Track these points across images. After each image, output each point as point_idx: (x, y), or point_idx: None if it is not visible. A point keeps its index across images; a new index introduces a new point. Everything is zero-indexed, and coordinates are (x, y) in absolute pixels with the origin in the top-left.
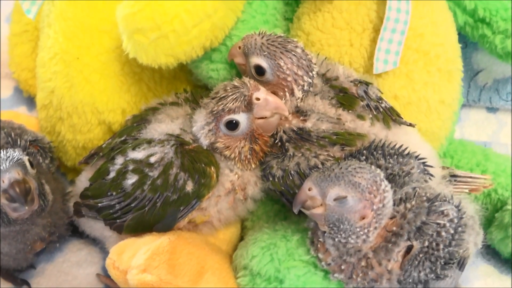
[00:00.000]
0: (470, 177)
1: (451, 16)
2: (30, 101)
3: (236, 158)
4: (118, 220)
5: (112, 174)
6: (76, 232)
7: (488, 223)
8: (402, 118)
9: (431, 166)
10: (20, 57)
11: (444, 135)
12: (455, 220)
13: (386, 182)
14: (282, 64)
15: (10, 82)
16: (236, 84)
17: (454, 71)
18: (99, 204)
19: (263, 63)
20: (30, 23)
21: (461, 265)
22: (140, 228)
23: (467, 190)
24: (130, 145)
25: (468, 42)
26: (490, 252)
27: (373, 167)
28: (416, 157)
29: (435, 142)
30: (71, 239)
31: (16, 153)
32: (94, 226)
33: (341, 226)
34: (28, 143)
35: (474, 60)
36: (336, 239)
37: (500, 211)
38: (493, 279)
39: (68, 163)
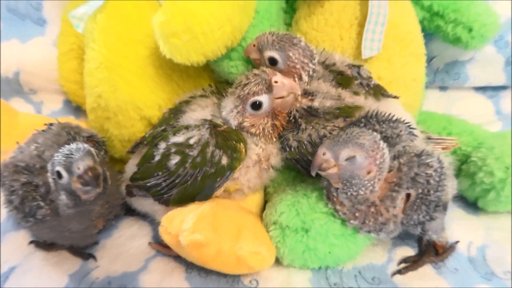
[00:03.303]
0: (441, 139)
1: (414, 11)
2: (77, 112)
3: (261, 134)
4: (165, 195)
5: (157, 158)
6: (128, 212)
7: (455, 175)
8: (388, 92)
9: (415, 128)
10: (68, 72)
11: (417, 107)
12: (439, 170)
13: (382, 141)
14: (291, 55)
15: (59, 97)
16: (256, 72)
17: (421, 55)
18: (148, 184)
19: (276, 55)
20: (75, 43)
21: (445, 207)
22: (184, 199)
23: (440, 149)
24: (170, 132)
25: (424, 34)
26: (458, 199)
27: (370, 131)
28: (403, 122)
29: (411, 113)
30: (124, 217)
31: (86, 145)
32: (144, 203)
33: (353, 181)
34: (85, 139)
35: (429, 48)
36: (349, 193)
37: (465, 163)
38: (464, 220)
39: (116, 155)
